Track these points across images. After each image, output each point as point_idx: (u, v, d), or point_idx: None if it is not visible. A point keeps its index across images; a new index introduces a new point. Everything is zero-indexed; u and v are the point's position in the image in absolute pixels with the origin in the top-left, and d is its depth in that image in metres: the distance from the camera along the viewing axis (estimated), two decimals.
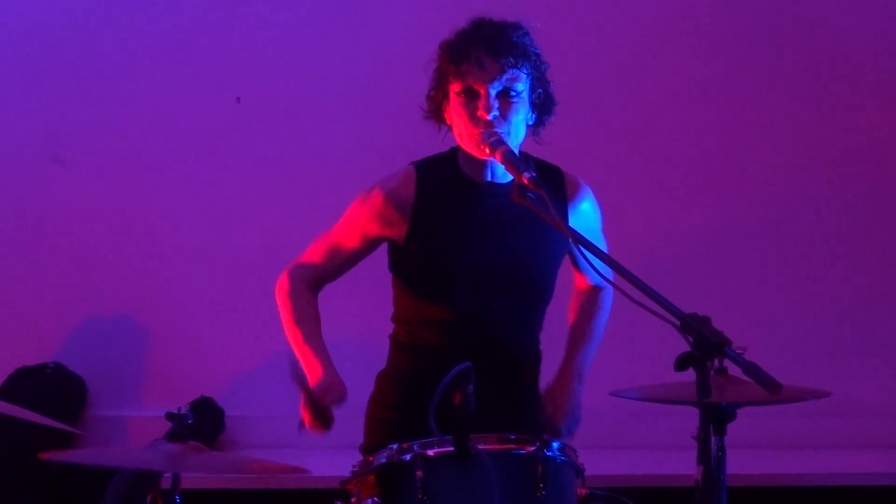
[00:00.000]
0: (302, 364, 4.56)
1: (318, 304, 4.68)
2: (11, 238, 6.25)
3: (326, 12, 6.10)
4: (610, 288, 4.69)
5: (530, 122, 4.43)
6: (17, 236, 6.25)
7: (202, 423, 5.56)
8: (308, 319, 4.67)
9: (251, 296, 6.04)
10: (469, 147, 4.38)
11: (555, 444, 3.93)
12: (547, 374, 4.58)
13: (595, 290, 4.79)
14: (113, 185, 6.20)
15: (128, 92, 6.21)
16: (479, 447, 3.85)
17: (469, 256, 4.52)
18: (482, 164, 4.43)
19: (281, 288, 4.69)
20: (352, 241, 4.61)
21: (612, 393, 4.29)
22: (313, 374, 4.53)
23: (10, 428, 5.27)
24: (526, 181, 4.11)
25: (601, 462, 4.29)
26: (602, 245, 4.57)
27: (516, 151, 4.32)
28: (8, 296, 6.24)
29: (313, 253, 4.69)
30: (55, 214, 6.24)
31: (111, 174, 6.20)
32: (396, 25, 5.85)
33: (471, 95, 4.37)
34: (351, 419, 4.46)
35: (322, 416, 4.21)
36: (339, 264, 4.65)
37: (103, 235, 6.20)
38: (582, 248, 4.00)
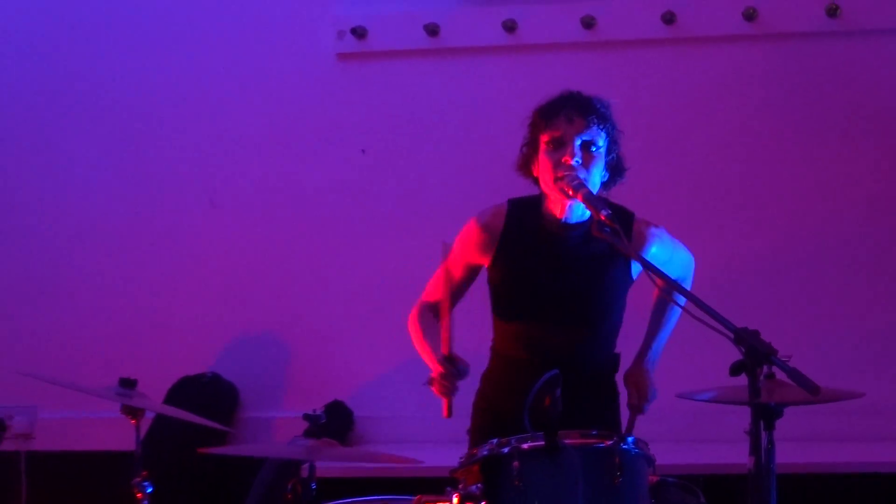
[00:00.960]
0: (424, 360, 4.65)
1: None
2: (175, 269, 6.31)
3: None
4: (678, 306, 4.67)
5: (604, 180, 4.47)
6: (180, 268, 6.31)
7: (334, 422, 5.58)
8: (427, 330, 4.71)
9: (377, 314, 6.07)
10: (552, 190, 4.41)
11: (629, 439, 3.92)
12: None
13: (664, 304, 4.81)
14: (257, 225, 6.24)
15: (269, 150, 6.25)
16: (566, 442, 3.85)
17: (543, 285, 4.56)
18: (562, 208, 4.45)
19: (411, 320, 4.75)
20: (457, 270, 4.66)
21: (679, 395, 4.29)
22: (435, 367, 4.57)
23: (175, 427, 5.33)
24: (603, 218, 4.15)
25: (669, 454, 4.25)
26: (676, 267, 4.60)
27: (594, 194, 4.32)
28: (173, 317, 6.30)
29: (431, 287, 4.75)
30: (211, 249, 6.29)
31: (256, 216, 6.24)
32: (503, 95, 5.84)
33: (558, 145, 4.41)
34: (456, 421, 4.46)
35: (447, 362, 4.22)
36: (452, 293, 4.69)
37: (250, 264, 6.25)
38: (651, 274, 4.05)
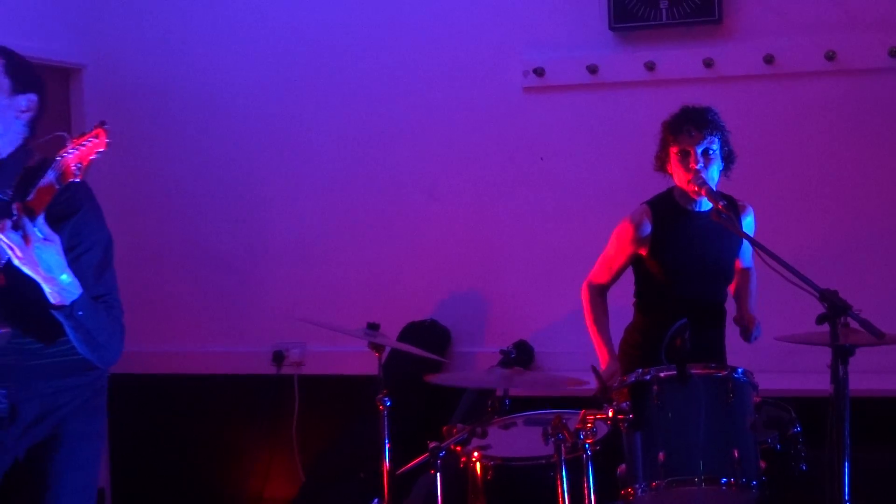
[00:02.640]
0: (594, 347, 4.82)
1: (606, 303, 4.89)
2: (405, 243, 6.42)
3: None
4: (754, 268, 4.86)
5: (721, 169, 4.55)
6: (409, 242, 6.42)
7: (521, 356, 5.61)
8: (599, 318, 4.86)
9: (552, 276, 6.10)
10: (685, 187, 4.50)
11: (739, 370, 3.93)
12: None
13: (747, 270, 4.93)
14: (465, 211, 6.31)
15: (472, 157, 6.28)
16: (693, 372, 3.86)
17: (687, 258, 4.62)
18: (690, 199, 4.56)
19: (583, 294, 4.89)
20: (618, 259, 4.79)
21: (776, 338, 4.26)
22: (602, 359, 4.80)
23: (405, 359, 5.41)
24: (721, 207, 4.28)
25: (768, 382, 4.23)
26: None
27: (714, 189, 4.47)
28: (403, 278, 6.38)
29: (597, 271, 4.87)
30: (430, 229, 6.39)
31: (464, 204, 6.30)
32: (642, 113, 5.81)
33: (685, 154, 4.51)
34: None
35: (604, 391, 4.12)
36: (614, 275, 4.81)
37: (459, 239, 6.31)
38: (755, 246, 4.11)
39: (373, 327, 4.63)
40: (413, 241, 6.38)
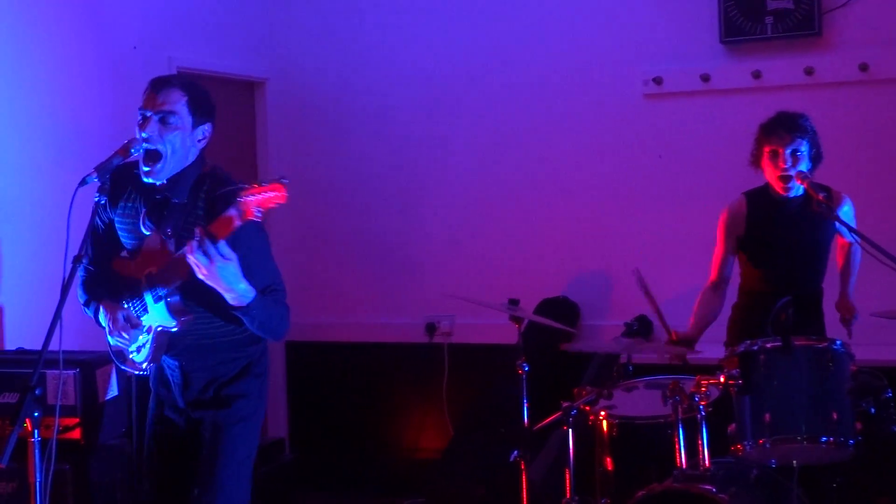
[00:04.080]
0: None
1: (716, 298, 4.77)
2: (542, 234, 6.41)
3: None
4: (857, 245, 4.68)
5: (809, 168, 4.48)
6: (547, 233, 6.40)
7: (641, 328, 5.56)
8: (698, 308, 4.78)
9: (665, 262, 6.04)
10: (775, 184, 4.45)
11: (838, 342, 3.88)
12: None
13: (849, 245, 4.81)
14: (587, 204, 6.26)
15: (597, 155, 6.24)
16: (796, 343, 3.82)
17: (781, 243, 4.56)
18: (783, 191, 4.53)
19: (699, 297, 4.82)
20: (722, 249, 4.73)
21: (872, 314, 4.22)
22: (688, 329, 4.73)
23: (541, 330, 5.42)
24: (821, 198, 4.19)
25: (864, 352, 4.17)
26: (851, 219, 4.59)
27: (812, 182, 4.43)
28: (539, 261, 6.39)
29: (713, 267, 4.77)
30: (561, 221, 6.37)
31: (588, 198, 6.24)
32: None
33: (774, 154, 4.46)
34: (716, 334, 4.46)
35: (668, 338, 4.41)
36: (719, 268, 4.77)
37: (585, 229, 6.31)
38: (851, 232, 4.13)
39: (513, 302, 4.65)
40: (547, 227, 6.37)
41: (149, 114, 3.50)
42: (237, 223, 3.18)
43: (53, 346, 3.15)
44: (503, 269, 6.40)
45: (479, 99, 6.46)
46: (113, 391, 4.32)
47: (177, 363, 3.63)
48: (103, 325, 3.65)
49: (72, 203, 3.27)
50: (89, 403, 4.19)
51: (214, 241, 3.19)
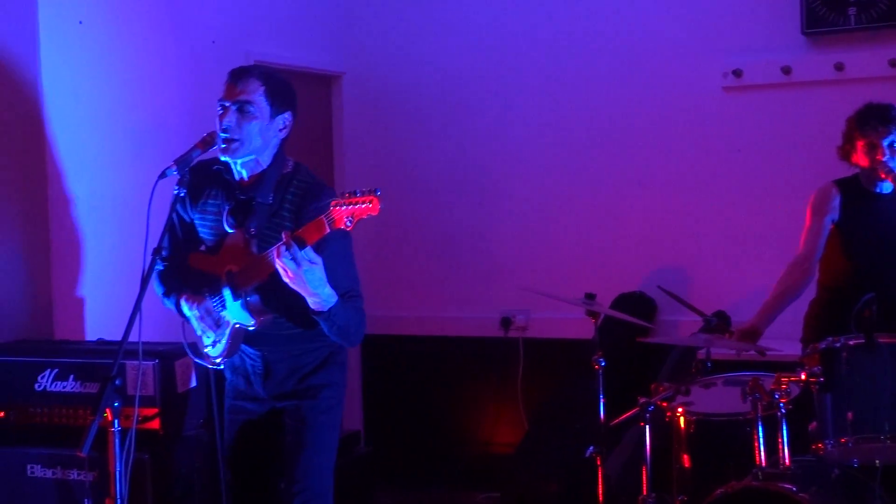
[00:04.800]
0: None
1: (802, 275, 4.63)
2: (617, 230, 6.38)
3: None
4: None
5: None
6: (621, 229, 6.37)
7: (720, 323, 5.49)
8: (775, 293, 4.64)
9: (748, 253, 6.00)
10: (873, 174, 4.36)
11: None
12: None
13: None
14: (672, 198, 6.20)
15: (677, 149, 6.18)
16: (879, 340, 3.75)
17: (873, 237, 4.48)
18: (875, 183, 4.41)
19: (783, 271, 4.67)
20: (817, 226, 4.62)
21: None
22: (755, 318, 4.62)
23: (617, 325, 5.39)
24: None
25: None
26: None
27: None
28: (615, 258, 6.35)
29: (802, 242, 4.65)
30: (639, 216, 6.33)
31: (672, 191, 6.18)
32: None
33: (871, 147, 4.36)
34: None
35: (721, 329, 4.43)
36: (817, 247, 4.64)
37: (665, 224, 6.26)
38: None
39: (590, 297, 4.62)
40: (623, 222, 6.32)
41: (227, 104, 3.53)
42: (327, 230, 3.20)
43: (133, 337, 3.20)
44: (579, 263, 6.36)
45: (556, 92, 6.42)
46: (192, 382, 4.37)
47: (258, 353, 3.66)
48: (188, 315, 3.69)
49: (151, 196, 3.31)
50: (168, 394, 4.24)
51: (302, 246, 3.22)
